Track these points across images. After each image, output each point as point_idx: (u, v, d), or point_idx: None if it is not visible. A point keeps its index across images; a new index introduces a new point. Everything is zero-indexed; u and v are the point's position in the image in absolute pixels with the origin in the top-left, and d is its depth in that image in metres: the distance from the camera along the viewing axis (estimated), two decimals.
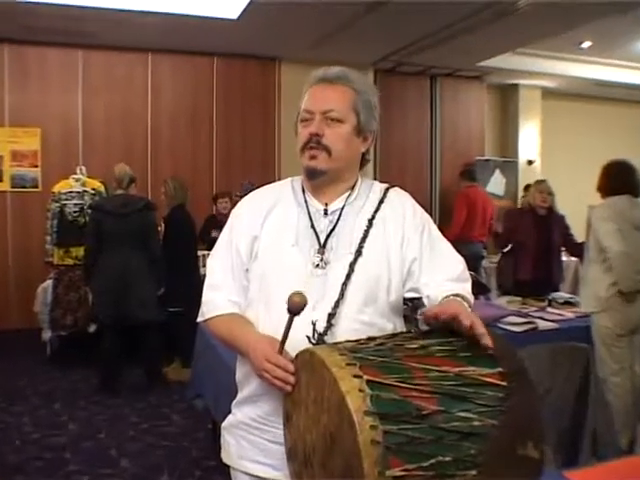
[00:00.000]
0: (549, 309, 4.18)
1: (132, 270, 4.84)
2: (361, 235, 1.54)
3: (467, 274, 1.60)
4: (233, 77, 8.08)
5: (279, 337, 1.37)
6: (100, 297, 4.90)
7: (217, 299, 1.60)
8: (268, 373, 1.36)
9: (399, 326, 1.58)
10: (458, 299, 1.42)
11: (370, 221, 1.56)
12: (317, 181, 1.57)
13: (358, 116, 1.56)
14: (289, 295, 1.31)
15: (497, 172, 9.57)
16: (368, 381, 1.10)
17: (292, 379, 1.32)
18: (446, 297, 1.44)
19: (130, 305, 4.82)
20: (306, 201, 1.61)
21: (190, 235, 5.49)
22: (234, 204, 1.84)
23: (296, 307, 1.30)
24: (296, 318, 1.33)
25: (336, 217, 1.58)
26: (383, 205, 1.59)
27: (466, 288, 1.54)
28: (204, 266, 5.56)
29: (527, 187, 9.17)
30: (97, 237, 4.83)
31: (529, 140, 9.97)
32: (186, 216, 5.49)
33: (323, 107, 1.53)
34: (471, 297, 1.52)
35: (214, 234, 5.88)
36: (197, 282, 5.22)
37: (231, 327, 1.55)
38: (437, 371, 1.16)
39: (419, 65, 8.69)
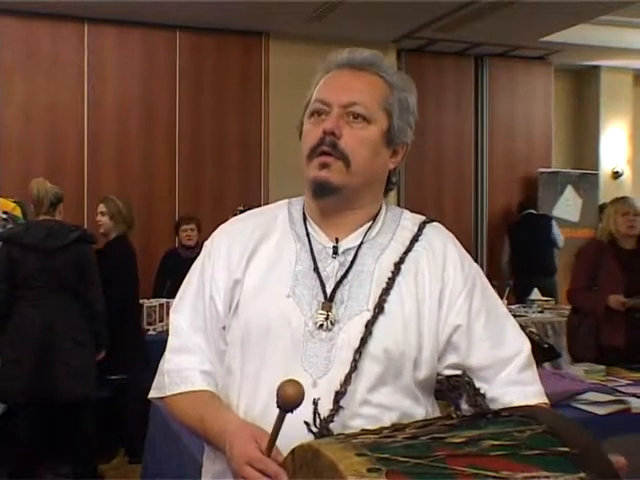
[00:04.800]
0: None
1: (60, 327, 4.82)
2: (384, 285, 1.54)
3: (532, 356, 1.61)
4: (203, 58, 8.19)
5: (267, 426, 1.36)
6: (13, 365, 4.85)
7: (185, 368, 1.60)
8: None
9: (431, 410, 1.58)
10: None
11: (397, 266, 1.56)
12: (326, 201, 1.57)
13: (390, 118, 1.58)
14: (279, 385, 1.30)
15: (569, 190, 9.61)
16: None
17: None
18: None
19: (56, 376, 4.77)
20: (309, 234, 1.61)
21: (137, 275, 5.56)
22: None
23: (288, 404, 1.30)
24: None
25: (350, 258, 1.58)
26: (417, 245, 1.60)
27: (534, 380, 1.57)
28: (161, 321, 5.58)
29: (604, 207, 9.18)
30: (10, 281, 4.82)
31: (615, 144, 10.04)
32: (132, 249, 5.57)
33: (344, 98, 1.55)
34: (542, 395, 1.56)
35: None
36: (144, 343, 5.29)
37: (203, 412, 1.55)
38: (495, 477, 1.14)
39: (459, 42, 8.80)
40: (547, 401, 1.55)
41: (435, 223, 1.67)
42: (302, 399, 1.30)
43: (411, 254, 1.58)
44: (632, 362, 4.46)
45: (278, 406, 1.31)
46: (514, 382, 1.54)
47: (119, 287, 5.29)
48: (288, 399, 1.29)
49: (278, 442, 1.34)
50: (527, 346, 1.60)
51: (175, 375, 1.61)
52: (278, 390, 1.30)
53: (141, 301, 5.76)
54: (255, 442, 1.36)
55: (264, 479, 1.32)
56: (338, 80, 1.59)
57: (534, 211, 8.93)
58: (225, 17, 7.71)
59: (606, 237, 4.93)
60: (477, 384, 1.54)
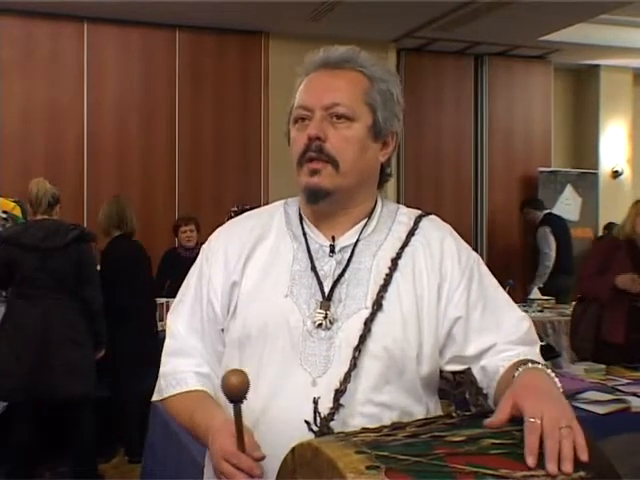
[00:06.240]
0: None
1: (58, 327, 4.80)
2: (381, 282, 1.54)
3: (535, 335, 1.61)
4: (203, 58, 8.18)
5: (267, 425, 1.38)
6: (12, 365, 4.85)
7: (181, 371, 1.62)
8: (225, 477, 1.36)
9: (432, 408, 1.58)
10: (538, 367, 1.39)
11: (394, 261, 1.56)
12: (321, 205, 1.57)
13: (374, 112, 1.58)
14: (222, 376, 1.31)
15: (568, 189, 9.61)
16: None
17: None
18: (514, 366, 1.43)
19: (55, 375, 4.77)
20: (305, 234, 1.61)
21: (141, 276, 5.53)
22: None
23: (234, 394, 1.30)
24: (292, 394, 1.33)
25: (346, 256, 1.58)
26: (413, 239, 1.60)
27: (535, 353, 1.55)
28: (161, 320, 5.57)
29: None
30: (7, 281, 4.82)
31: (614, 143, 10.03)
32: (135, 249, 5.54)
33: (325, 100, 1.55)
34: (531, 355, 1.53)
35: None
36: (150, 341, 5.26)
37: (193, 410, 1.56)
38: (493, 476, 1.14)
39: (459, 41, 8.80)
40: (538, 359, 1.50)
41: (431, 216, 1.67)
42: (247, 387, 1.29)
43: (408, 249, 1.58)
44: (630, 359, 4.47)
45: (227, 398, 1.31)
46: (503, 349, 1.54)
47: (118, 286, 5.29)
48: (232, 389, 1.29)
49: (278, 441, 1.35)
50: (526, 330, 1.58)
51: (171, 377, 1.62)
52: (222, 381, 1.30)
53: None
54: (233, 437, 1.36)
55: (239, 474, 1.33)
56: (317, 82, 1.58)
57: (555, 212, 8.84)
58: (225, 17, 7.70)
59: (623, 236, 4.96)
60: (476, 364, 1.54)
